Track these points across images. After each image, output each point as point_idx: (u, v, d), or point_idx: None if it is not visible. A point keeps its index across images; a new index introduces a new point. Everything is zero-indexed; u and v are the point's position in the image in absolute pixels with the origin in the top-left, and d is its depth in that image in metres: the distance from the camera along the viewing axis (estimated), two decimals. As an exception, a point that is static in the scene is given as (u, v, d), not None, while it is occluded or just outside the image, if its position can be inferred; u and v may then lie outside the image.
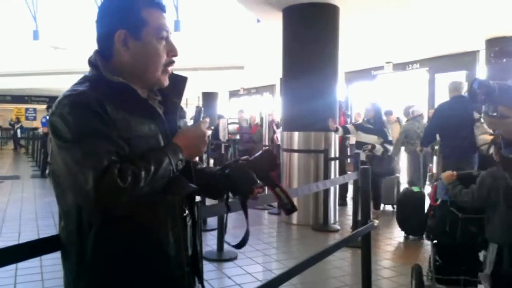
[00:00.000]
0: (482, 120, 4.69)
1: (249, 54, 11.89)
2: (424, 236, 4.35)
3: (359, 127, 5.70)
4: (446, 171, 4.88)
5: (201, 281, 1.35)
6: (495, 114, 1.25)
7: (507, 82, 1.27)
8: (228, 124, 9.54)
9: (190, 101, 21.53)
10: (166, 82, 1.24)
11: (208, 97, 18.65)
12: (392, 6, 6.31)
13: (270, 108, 10.22)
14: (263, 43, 9.95)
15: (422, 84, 10.84)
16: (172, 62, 1.25)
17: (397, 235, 5.27)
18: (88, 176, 1.00)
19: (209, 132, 1.34)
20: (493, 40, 7.92)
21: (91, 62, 1.21)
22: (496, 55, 1.29)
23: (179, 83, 1.30)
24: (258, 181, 1.26)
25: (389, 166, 5.33)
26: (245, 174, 1.25)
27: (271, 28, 7.42)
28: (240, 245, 1.33)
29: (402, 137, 6.74)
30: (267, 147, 1.32)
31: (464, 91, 5.02)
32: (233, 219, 5.51)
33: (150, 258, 1.15)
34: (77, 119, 1.05)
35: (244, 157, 1.33)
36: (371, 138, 5.44)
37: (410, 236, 5.05)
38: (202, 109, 1.35)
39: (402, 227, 5.07)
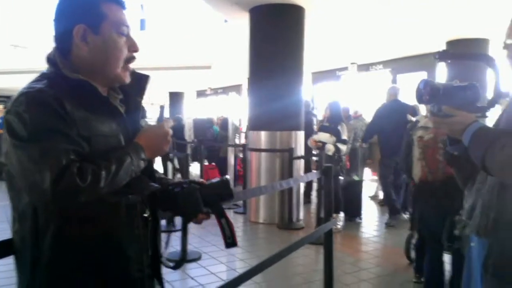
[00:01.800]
0: (414, 120, 5.12)
1: (217, 54, 11.85)
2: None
3: (320, 128, 5.71)
4: (383, 165, 5.74)
5: (160, 283, 1.34)
6: (440, 113, 1.32)
7: (452, 83, 1.34)
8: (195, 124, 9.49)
9: (156, 102, 21.23)
10: (127, 79, 1.23)
11: (175, 97, 18.43)
12: (355, 8, 6.45)
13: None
14: (230, 43, 9.94)
15: (385, 84, 11.11)
16: (132, 58, 1.24)
17: (358, 230, 5.41)
18: (45, 175, 0.98)
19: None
20: (453, 42, 8.19)
21: (49, 59, 1.19)
22: (441, 57, 1.36)
23: (141, 81, 1.29)
24: (204, 210, 1.24)
25: (336, 167, 5.17)
26: (192, 198, 1.22)
27: (238, 28, 7.43)
28: (177, 266, 1.32)
29: (352, 134, 6.97)
30: (225, 177, 1.32)
31: (400, 95, 5.79)
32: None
33: (109, 260, 1.14)
34: (34, 117, 1.03)
35: (201, 179, 1.31)
36: (324, 136, 5.40)
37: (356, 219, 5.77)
38: (164, 107, 1.34)
39: (345, 212, 5.73)
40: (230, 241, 1.28)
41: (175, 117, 10.84)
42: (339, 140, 5.32)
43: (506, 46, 1.35)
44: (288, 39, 5.85)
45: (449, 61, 1.36)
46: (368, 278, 3.79)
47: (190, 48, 11.97)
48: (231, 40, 9.65)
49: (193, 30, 11.75)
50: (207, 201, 1.24)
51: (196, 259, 4.19)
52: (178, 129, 9.80)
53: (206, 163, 9.26)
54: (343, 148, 5.36)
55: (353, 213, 5.78)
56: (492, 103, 1.37)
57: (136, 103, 1.28)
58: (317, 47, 8.79)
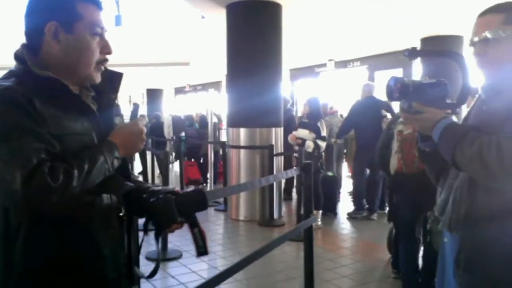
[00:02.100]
0: (388, 116, 5.26)
1: (195, 50, 11.77)
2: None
3: (300, 124, 5.66)
4: (359, 158, 5.92)
5: (137, 282, 1.32)
6: (410, 110, 1.33)
7: (421, 80, 1.36)
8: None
9: (134, 99, 21.00)
10: (98, 79, 1.21)
11: (153, 94, 18.24)
12: (331, 5, 6.48)
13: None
14: (208, 39, 9.88)
15: (363, 81, 11.23)
16: (105, 60, 1.22)
17: (338, 227, 5.45)
18: (16, 174, 0.95)
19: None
20: (428, 38, 8.35)
21: (17, 56, 1.16)
22: (410, 54, 1.37)
23: (114, 79, 1.28)
24: (179, 219, 1.24)
25: (316, 164, 5.06)
26: (167, 210, 1.22)
27: (216, 24, 7.39)
28: (152, 275, 1.30)
29: (328, 130, 7.07)
30: (200, 187, 1.29)
31: (375, 92, 5.96)
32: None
33: (84, 260, 1.12)
34: (2, 116, 1.01)
35: (176, 189, 1.30)
36: (303, 133, 5.30)
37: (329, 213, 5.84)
38: (139, 105, 1.32)
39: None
40: (202, 250, 1.29)
41: (154, 115, 10.73)
42: (319, 136, 5.26)
43: (473, 44, 1.37)
44: (265, 35, 5.83)
45: (417, 58, 1.37)
46: (348, 274, 3.82)
47: (168, 45, 11.85)
48: (209, 37, 9.59)
49: (171, 26, 11.62)
50: (181, 211, 1.24)
51: (177, 257, 4.15)
52: (157, 126, 9.70)
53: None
54: (323, 144, 5.30)
55: (328, 208, 5.82)
56: (461, 100, 1.39)
57: (110, 100, 1.26)
58: (295, 43, 8.81)
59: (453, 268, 1.35)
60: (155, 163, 7.99)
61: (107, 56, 1.23)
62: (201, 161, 9.06)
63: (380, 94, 5.99)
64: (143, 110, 16.18)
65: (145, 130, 1.25)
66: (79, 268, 1.11)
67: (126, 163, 1.25)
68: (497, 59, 1.32)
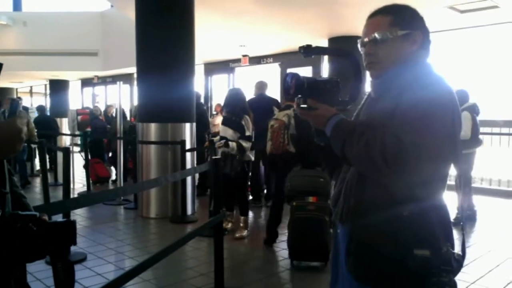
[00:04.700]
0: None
1: (104, 40, 11.18)
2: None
3: (224, 122, 4.97)
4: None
5: None
6: (305, 106, 1.37)
7: (315, 77, 1.40)
8: (78, 115, 8.80)
9: (35, 90, 19.48)
10: None
11: (57, 86, 16.94)
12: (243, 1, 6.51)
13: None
14: (118, 29, 9.43)
15: (275, 77, 11.49)
16: None
17: (252, 220, 5.53)
18: None
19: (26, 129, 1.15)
20: (334, 38, 8.78)
21: None
22: (305, 51, 1.41)
23: None
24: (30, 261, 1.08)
25: (236, 167, 4.63)
26: (22, 244, 1.05)
27: (126, 13, 7.07)
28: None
29: None
30: (73, 219, 1.16)
31: (267, 90, 6.39)
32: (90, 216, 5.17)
33: None
34: None
35: (44, 216, 1.13)
36: (228, 133, 4.73)
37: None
38: (20, 102, 1.19)
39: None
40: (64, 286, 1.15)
41: (38, 107, 9.99)
42: (243, 136, 4.66)
43: (363, 44, 1.45)
44: (177, 28, 5.67)
45: (312, 56, 1.41)
46: (259, 265, 3.89)
47: (74, 33, 11.13)
48: (119, 26, 9.16)
49: (78, 13, 10.93)
50: (49, 245, 1.10)
51: (81, 260, 3.91)
52: (43, 120, 9.02)
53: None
54: (247, 145, 4.68)
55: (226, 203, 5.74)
56: (352, 98, 1.46)
57: None
58: (210, 38, 8.74)
59: (344, 257, 1.41)
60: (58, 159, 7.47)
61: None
62: (107, 157, 8.63)
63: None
64: (41, 103, 14.99)
65: (24, 129, 1.12)
66: None
67: (2, 166, 1.12)
68: (385, 59, 1.40)
